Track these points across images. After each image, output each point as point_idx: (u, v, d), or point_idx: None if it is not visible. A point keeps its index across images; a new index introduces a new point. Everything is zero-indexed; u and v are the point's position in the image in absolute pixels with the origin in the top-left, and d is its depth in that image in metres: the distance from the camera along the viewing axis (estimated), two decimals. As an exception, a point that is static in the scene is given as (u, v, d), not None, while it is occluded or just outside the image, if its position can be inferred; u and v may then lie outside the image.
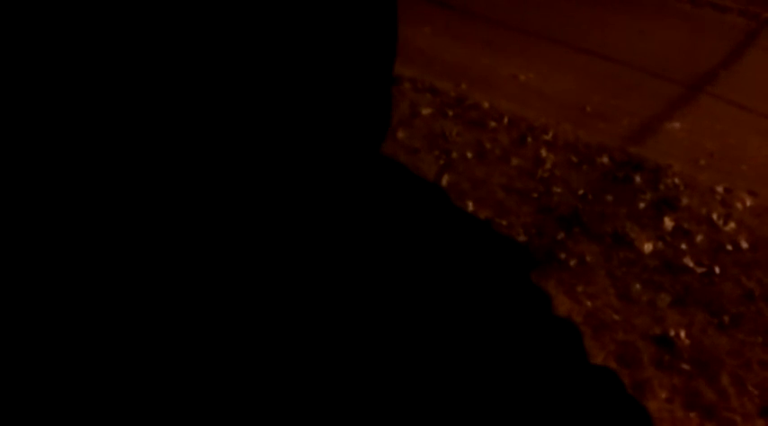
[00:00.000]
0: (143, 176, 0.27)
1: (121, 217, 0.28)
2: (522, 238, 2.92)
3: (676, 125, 4.06)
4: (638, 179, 3.43)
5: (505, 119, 3.74)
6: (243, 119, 0.28)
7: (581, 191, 3.28)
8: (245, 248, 0.31)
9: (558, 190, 3.28)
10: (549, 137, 3.67)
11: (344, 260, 0.34)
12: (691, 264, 2.91)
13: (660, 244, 3.01)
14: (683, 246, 3.01)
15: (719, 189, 3.42)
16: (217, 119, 0.27)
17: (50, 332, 0.30)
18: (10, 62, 0.25)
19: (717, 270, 2.89)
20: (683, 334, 2.57)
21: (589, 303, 2.68)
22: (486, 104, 3.84)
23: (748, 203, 3.34)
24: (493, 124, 3.70)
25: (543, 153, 3.54)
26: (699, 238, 3.07)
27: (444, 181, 3.16)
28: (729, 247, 3.03)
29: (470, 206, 3.05)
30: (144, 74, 0.26)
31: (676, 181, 3.45)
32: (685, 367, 2.46)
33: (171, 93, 0.26)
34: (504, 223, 3.00)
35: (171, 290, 0.30)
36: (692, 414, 2.30)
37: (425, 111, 3.72)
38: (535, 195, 3.20)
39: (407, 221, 0.38)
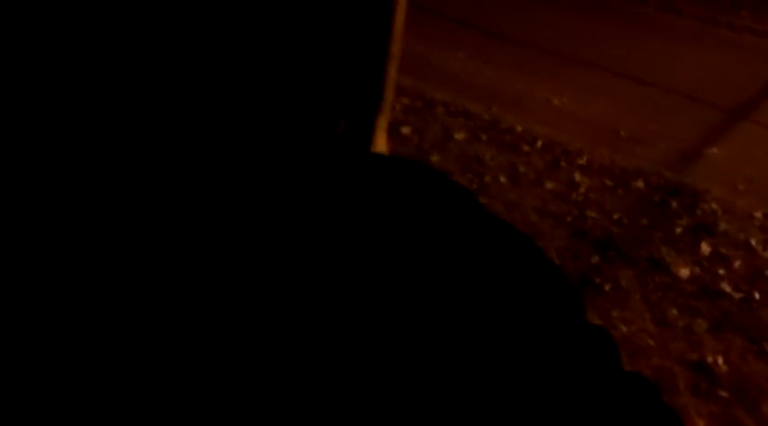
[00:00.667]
0: (142, 176, 0.27)
1: (121, 216, 0.28)
2: (555, 262, 2.89)
3: (714, 150, 4.00)
4: (674, 204, 3.39)
5: (539, 143, 3.72)
6: (240, 117, 0.28)
7: (616, 216, 3.25)
8: (245, 247, 0.30)
9: (593, 214, 3.25)
10: (583, 161, 3.64)
11: (346, 259, 0.34)
12: (728, 290, 2.85)
13: (697, 269, 2.95)
14: (721, 271, 2.95)
15: (758, 214, 3.35)
16: (214, 119, 0.27)
17: (50, 332, 0.30)
18: (10, 62, 0.25)
19: (756, 295, 2.83)
20: (720, 361, 2.51)
21: (624, 328, 2.64)
22: (519, 128, 3.83)
23: (789, 229, 3.27)
24: (526, 148, 3.68)
25: (577, 177, 3.51)
26: (737, 264, 3.01)
27: (477, 203, 3.15)
28: (769, 273, 2.97)
29: (503, 228, 3.03)
30: (143, 74, 0.26)
31: (714, 206, 3.39)
32: (723, 394, 2.40)
33: (170, 94, 0.26)
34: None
35: (170, 290, 0.30)
36: (731, 443, 2.24)
37: (459, 135, 3.73)
38: (569, 219, 3.18)
39: (425, 222, 0.38)
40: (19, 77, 0.26)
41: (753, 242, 3.15)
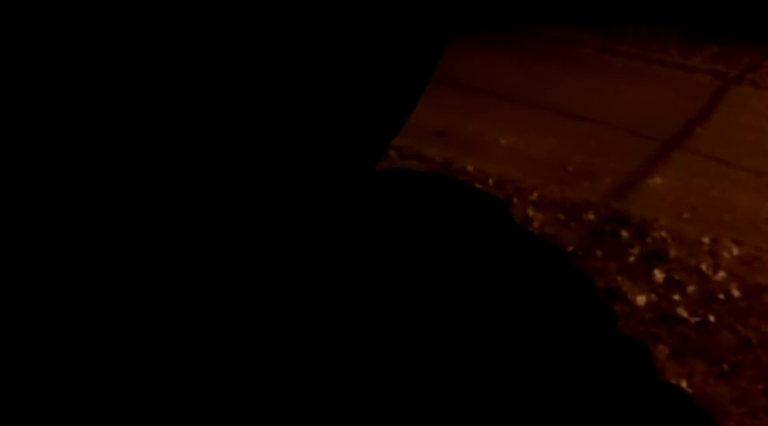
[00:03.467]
0: (142, 177, 0.27)
1: (121, 217, 0.28)
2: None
3: (658, 180, 4.14)
4: (625, 233, 3.48)
5: (491, 182, 3.80)
6: (244, 121, 0.27)
7: (570, 248, 3.32)
8: (246, 249, 0.30)
9: (549, 248, 3.31)
10: (534, 197, 3.72)
11: (349, 260, 0.34)
12: (685, 315, 2.92)
13: (653, 296, 3.03)
14: (676, 297, 3.03)
15: (706, 239, 3.47)
16: (217, 121, 0.27)
17: (50, 332, 0.29)
18: (9, 62, 0.25)
19: (712, 319, 2.91)
20: (684, 385, 2.57)
21: (588, 358, 2.68)
22: (471, 168, 3.91)
23: (735, 252, 3.39)
24: (479, 187, 3.75)
25: (530, 212, 3.58)
26: (690, 289, 3.10)
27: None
28: (722, 296, 3.06)
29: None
30: (143, 74, 0.26)
31: (663, 234, 3.50)
32: (690, 417, 2.45)
33: (171, 94, 0.26)
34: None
35: (170, 291, 0.30)
36: (702, 466, 2.28)
37: (413, 177, 3.78)
38: (526, 254, 3.23)
39: (428, 224, 0.38)
40: (19, 77, 0.26)
41: (703, 266, 3.25)
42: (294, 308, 0.31)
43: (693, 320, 2.90)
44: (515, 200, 3.66)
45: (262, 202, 0.28)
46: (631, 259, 3.28)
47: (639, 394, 0.39)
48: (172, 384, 0.29)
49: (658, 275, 3.17)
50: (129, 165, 0.25)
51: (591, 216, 3.62)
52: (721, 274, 3.21)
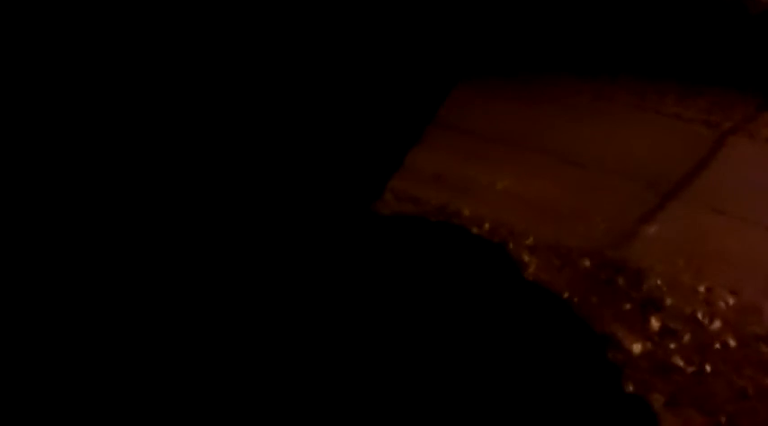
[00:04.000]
0: (143, 177, 0.27)
1: (121, 217, 0.28)
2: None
3: (654, 228, 4.14)
4: (620, 281, 3.46)
5: (487, 226, 3.79)
6: (244, 122, 0.28)
7: (566, 294, 3.29)
8: (246, 249, 0.31)
9: (543, 293, 3.29)
10: (530, 241, 3.71)
11: (348, 264, 0.34)
12: (681, 364, 2.89)
13: (649, 345, 3.00)
14: (672, 346, 3.00)
15: (701, 289, 3.45)
16: (217, 122, 0.27)
17: (50, 331, 0.29)
18: (12, 62, 0.26)
19: (707, 368, 2.87)
20: (680, 436, 2.53)
21: (582, 406, 2.64)
22: (466, 212, 3.91)
23: (731, 302, 3.37)
24: (475, 230, 3.74)
25: (526, 257, 3.57)
26: (686, 338, 3.07)
27: (430, 286, 3.17)
28: (717, 346, 3.03)
29: (457, 311, 3.04)
30: (144, 74, 0.26)
31: (658, 282, 3.48)
32: (686, 469, 2.40)
33: (172, 95, 0.26)
34: (492, 327, 2.99)
35: (171, 291, 0.30)
36: None
37: (408, 220, 3.77)
38: (521, 299, 3.21)
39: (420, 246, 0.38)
40: (20, 77, 0.26)
41: (699, 315, 3.23)
42: (286, 310, 0.31)
43: (689, 369, 2.86)
44: (511, 245, 3.65)
45: (259, 202, 0.28)
46: (627, 306, 3.26)
47: None
48: (172, 383, 0.29)
49: (654, 323, 3.15)
50: (129, 166, 0.26)
51: (586, 262, 3.61)
52: (717, 323, 3.18)
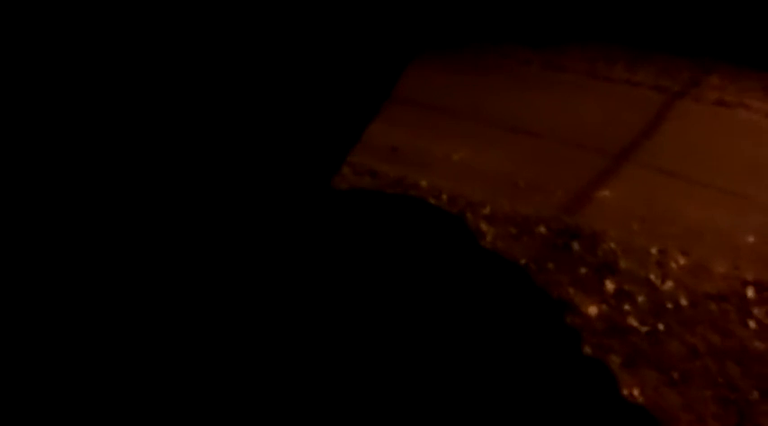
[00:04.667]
0: (142, 177, 0.28)
1: (121, 217, 0.28)
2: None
3: (607, 193, 4.22)
4: (576, 246, 3.53)
5: (444, 197, 3.82)
6: (240, 121, 0.28)
7: (523, 261, 3.35)
8: (246, 249, 0.31)
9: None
10: (487, 211, 3.76)
11: (346, 261, 0.35)
12: (635, 324, 2.97)
13: (605, 307, 3.07)
14: (627, 307, 3.08)
15: (654, 250, 3.54)
16: (215, 122, 0.27)
17: (50, 331, 0.30)
18: (12, 62, 0.26)
19: (661, 328, 2.96)
20: (636, 393, 2.61)
21: (543, 370, 2.70)
22: (424, 184, 3.93)
23: (682, 262, 3.46)
24: (433, 201, 3.77)
25: (483, 227, 3.61)
26: (640, 299, 3.15)
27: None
28: (670, 305, 3.12)
29: (418, 282, 3.07)
30: (144, 74, 0.26)
31: (613, 245, 3.56)
32: (642, 426, 2.48)
33: (172, 95, 0.27)
34: (453, 297, 3.03)
35: (171, 291, 0.30)
36: (655, 473, 2.31)
37: (366, 194, 3.78)
38: (480, 268, 3.26)
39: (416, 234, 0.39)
40: (20, 77, 0.26)
41: (652, 277, 3.32)
42: (286, 310, 0.31)
43: (644, 330, 2.95)
44: (468, 215, 3.69)
45: (258, 201, 0.28)
46: (583, 271, 3.33)
47: (597, 405, 0.39)
48: (172, 383, 0.29)
49: (609, 286, 3.23)
50: (129, 166, 0.26)
51: (542, 229, 3.67)
52: (669, 284, 3.28)
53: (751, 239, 3.75)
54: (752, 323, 3.06)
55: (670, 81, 6.28)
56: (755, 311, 3.15)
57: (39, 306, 0.24)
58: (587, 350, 2.80)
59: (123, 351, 0.24)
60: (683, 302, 3.15)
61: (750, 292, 3.28)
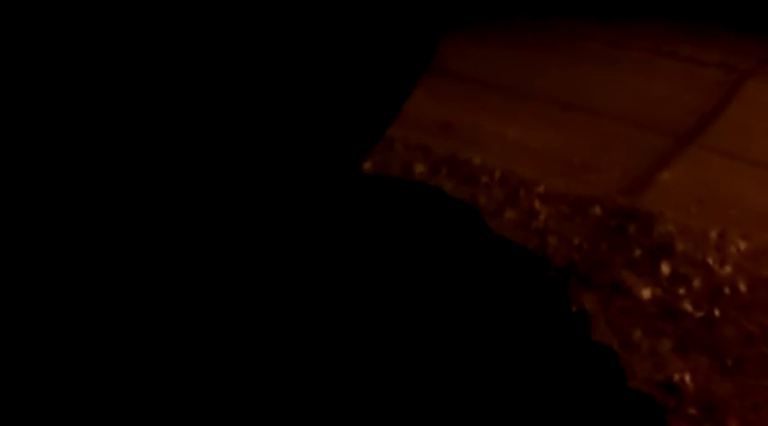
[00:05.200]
0: (142, 177, 0.27)
1: (121, 217, 0.28)
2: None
3: (665, 175, 4.11)
4: (631, 228, 3.46)
5: (497, 174, 3.78)
6: (242, 120, 0.28)
7: (576, 241, 3.30)
8: (246, 249, 0.31)
9: (554, 241, 3.29)
10: (540, 189, 3.70)
11: (346, 260, 0.35)
12: (690, 309, 2.90)
13: (658, 291, 3.01)
14: (681, 291, 3.01)
15: (712, 234, 3.44)
16: (217, 121, 0.27)
17: (50, 332, 0.30)
18: (10, 62, 0.26)
19: (716, 313, 2.88)
20: (687, 379, 2.55)
21: (591, 352, 2.67)
22: (477, 160, 3.89)
23: (742, 247, 3.36)
24: (485, 179, 3.74)
25: (536, 205, 3.57)
26: (696, 283, 3.07)
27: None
28: (727, 290, 3.03)
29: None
30: (143, 74, 0.26)
31: (669, 228, 3.47)
32: (692, 412, 2.43)
33: (172, 94, 0.26)
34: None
35: (171, 290, 0.30)
36: (703, 460, 2.26)
37: (419, 169, 3.77)
38: (531, 247, 3.22)
39: (416, 226, 0.38)
40: (18, 77, 0.26)
41: (710, 260, 3.23)
42: (286, 309, 0.31)
43: (698, 314, 2.87)
44: (521, 193, 3.65)
45: (255, 197, 0.28)
46: (637, 253, 3.26)
47: (606, 401, 0.39)
48: (171, 384, 0.29)
49: (664, 269, 3.15)
50: (129, 165, 0.26)
51: (597, 210, 3.60)
52: (727, 268, 3.18)
53: (817, 225, 3.61)
54: (814, 312, 2.95)
55: (738, 59, 6.06)
56: (818, 299, 3.03)
57: (38, 306, 0.24)
58: (638, 333, 2.75)
59: (123, 351, 0.25)
60: (742, 287, 3.06)
61: (813, 279, 3.16)
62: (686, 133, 4.69)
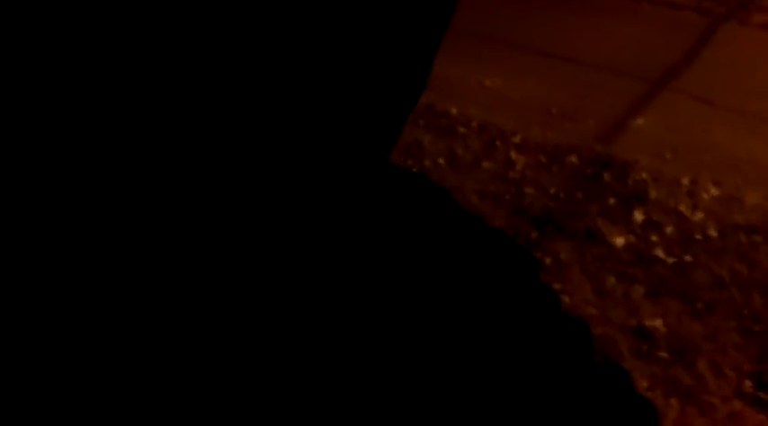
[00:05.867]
0: (143, 177, 0.27)
1: (121, 217, 0.28)
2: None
3: (640, 121, 4.14)
4: (606, 176, 3.50)
5: (474, 124, 3.79)
6: (245, 118, 0.27)
7: (552, 191, 3.34)
8: (246, 248, 0.31)
9: (530, 191, 3.34)
10: (517, 139, 3.73)
11: (345, 259, 0.35)
12: (662, 255, 2.97)
13: (631, 238, 3.07)
14: (654, 238, 3.07)
15: (685, 181, 3.50)
16: (219, 119, 0.27)
17: (50, 332, 0.29)
18: (9, 61, 0.25)
19: (688, 259, 2.96)
20: (659, 324, 2.63)
21: (567, 299, 2.74)
22: (454, 111, 3.89)
23: (713, 193, 3.42)
24: (462, 130, 3.75)
25: (513, 155, 3.59)
26: (669, 229, 3.14)
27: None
28: (699, 236, 3.11)
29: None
30: (145, 74, 0.25)
31: (644, 175, 3.52)
32: (663, 355, 2.52)
33: (172, 93, 0.26)
34: (479, 226, 3.05)
35: (171, 290, 0.30)
36: (673, 401, 2.36)
37: (395, 122, 3.77)
38: (508, 197, 3.26)
39: (410, 222, 0.38)
40: (17, 77, 0.25)
41: (682, 207, 3.29)
42: (286, 309, 0.30)
43: (670, 260, 2.95)
44: (498, 143, 3.67)
45: (265, 196, 0.28)
46: (612, 201, 3.32)
47: (580, 379, 0.39)
48: (171, 384, 0.30)
49: (638, 216, 3.21)
50: (130, 164, 0.26)
51: (573, 158, 3.63)
52: (699, 215, 3.25)
53: (787, 169, 3.68)
54: (781, 255, 3.04)
55: (714, 3, 6.05)
56: (786, 243, 3.12)
57: (38, 306, 0.24)
58: (611, 280, 2.82)
59: (123, 351, 0.25)
60: (712, 233, 3.13)
61: (782, 224, 3.24)
62: (661, 78, 4.71)
